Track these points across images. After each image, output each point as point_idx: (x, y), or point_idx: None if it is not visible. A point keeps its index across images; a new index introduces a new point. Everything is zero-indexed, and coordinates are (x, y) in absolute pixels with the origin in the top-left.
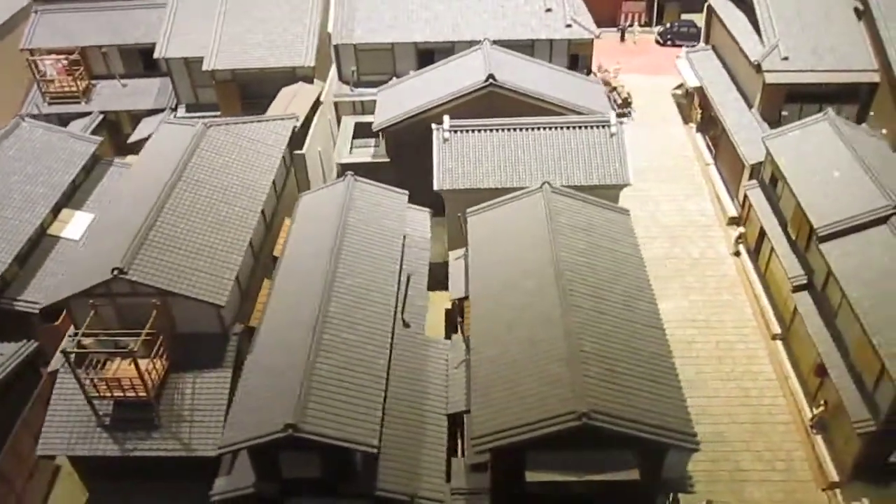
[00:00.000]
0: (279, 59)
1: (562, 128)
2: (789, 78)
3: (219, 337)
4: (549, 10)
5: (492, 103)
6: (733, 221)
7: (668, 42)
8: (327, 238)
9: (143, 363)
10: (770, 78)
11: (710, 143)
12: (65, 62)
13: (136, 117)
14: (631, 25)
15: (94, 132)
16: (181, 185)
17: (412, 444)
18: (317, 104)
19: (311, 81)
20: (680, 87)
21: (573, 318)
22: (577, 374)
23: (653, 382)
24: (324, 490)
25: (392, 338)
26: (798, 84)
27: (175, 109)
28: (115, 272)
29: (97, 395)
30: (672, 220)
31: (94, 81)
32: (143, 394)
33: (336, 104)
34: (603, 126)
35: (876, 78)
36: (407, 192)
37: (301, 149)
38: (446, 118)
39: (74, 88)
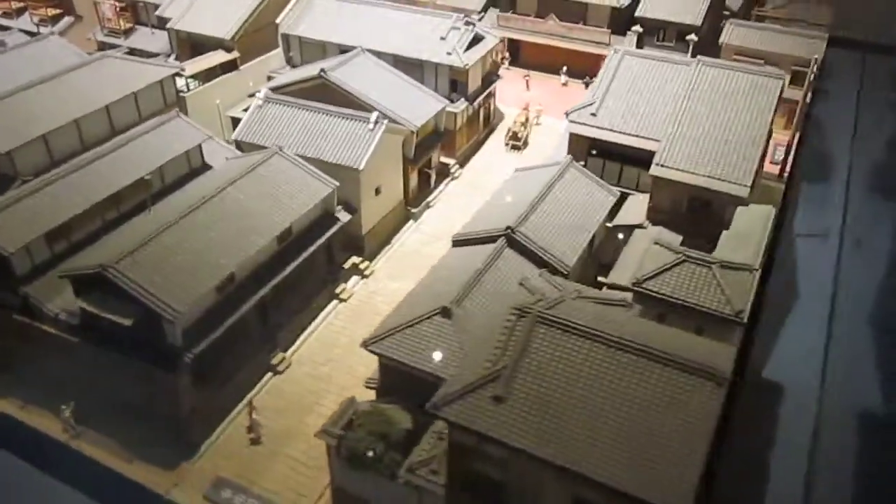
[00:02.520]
0: (213, 30)
1: (341, 117)
2: (590, 132)
3: None
4: (442, 38)
5: (326, 93)
6: None
7: None
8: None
9: None
10: (573, 128)
11: None
12: (117, 6)
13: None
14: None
15: None
16: None
17: None
18: (231, 68)
19: (230, 51)
20: None
21: None
22: None
23: None
24: None
25: None
26: (598, 140)
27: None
28: None
29: None
30: None
31: (136, 26)
32: None
33: (268, 77)
34: (364, 121)
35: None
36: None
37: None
38: (265, 87)
39: (119, 27)
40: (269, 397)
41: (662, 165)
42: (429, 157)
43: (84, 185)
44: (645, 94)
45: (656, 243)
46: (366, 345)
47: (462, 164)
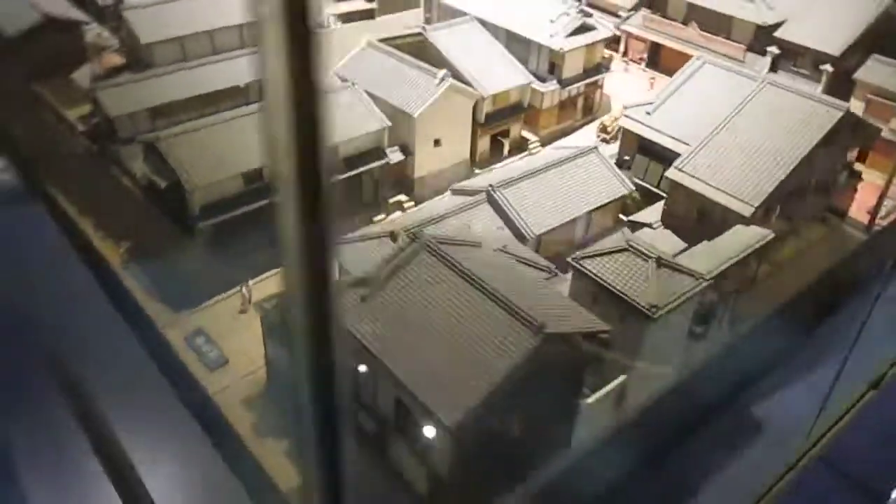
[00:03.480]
0: None
1: (415, 68)
2: (639, 129)
3: None
4: (551, 21)
5: (423, 49)
6: None
7: None
8: None
9: None
10: (625, 122)
11: None
12: None
13: None
14: None
15: None
16: None
17: None
18: (367, 16)
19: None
20: None
21: None
22: None
23: None
24: None
25: None
26: (645, 138)
27: None
28: None
29: None
30: None
31: None
32: None
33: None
34: (433, 76)
35: None
36: None
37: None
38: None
39: None
40: (269, 282)
41: (681, 170)
42: (506, 127)
43: (193, 79)
44: (705, 104)
45: (628, 241)
46: None
47: (544, 143)
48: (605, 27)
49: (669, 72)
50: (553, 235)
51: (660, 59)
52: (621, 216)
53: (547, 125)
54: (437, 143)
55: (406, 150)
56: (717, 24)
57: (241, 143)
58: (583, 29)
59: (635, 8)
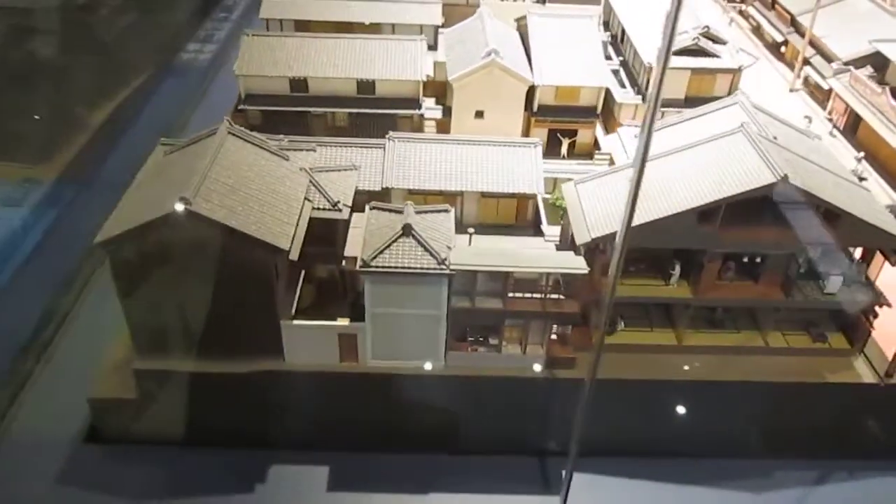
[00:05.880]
0: None
1: (476, 45)
2: None
3: None
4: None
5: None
6: None
7: None
8: None
9: None
10: None
11: None
12: None
13: None
14: None
15: None
16: None
17: None
18: None
19: None
20: None
21: None
22: None
23: None
24: None
25: None
26: None
27: None
28: None
29: None
30: None
31: None
32: None
33: None
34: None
35: None
36: None
37: None
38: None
39: None
40: None
41: None
42: (570, 125)
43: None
44: None
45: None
46: None
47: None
48: (731, 60)
49: (866, 149)
50: None
51: (858, 131)
52: None
53: None
54: (479, 114)
55: (446, 111)
56: None
57: (302, 60)
58: (702, 53)
59: (857, 63)
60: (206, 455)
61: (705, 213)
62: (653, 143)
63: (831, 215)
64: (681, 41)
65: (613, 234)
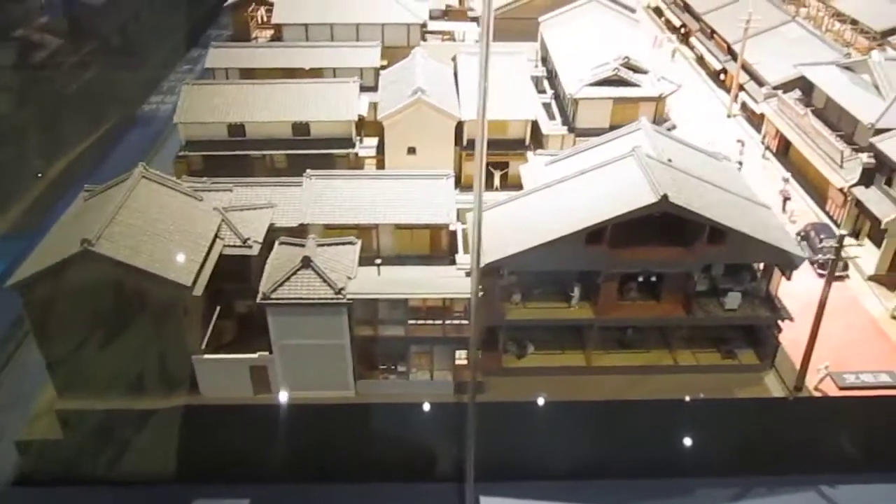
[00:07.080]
0: None
1: (406, 85)
2: None
3: None
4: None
5: None
6: None
7: None
8: None
9: None
10: None
11: None
12: None
13: None
14: None
15: None
16: None
17: None
18: None
19: None
20: None
21: None
22: None
23: None
24: None
25: None
26: None
27: None
28: None
29: None
30: None
31: None
32: None
33: None
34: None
35: None
36: None
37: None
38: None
39: None
40: None
41: None
42: (501, 158)
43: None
44: None
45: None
46: None
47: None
48: (652, 88)
49: (797, 169)
50: None
51: (789, 153)
52: None
53: None
54: (411, 150)
55: (380, 148)
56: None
57: (243, 104)
58: (623, 83)
59: (785, 87)
60: (136, 493)
61: (594, 235)
62: (559, 169)
63: (718, 233)
64: (601, 72)
65: (507, 258)
